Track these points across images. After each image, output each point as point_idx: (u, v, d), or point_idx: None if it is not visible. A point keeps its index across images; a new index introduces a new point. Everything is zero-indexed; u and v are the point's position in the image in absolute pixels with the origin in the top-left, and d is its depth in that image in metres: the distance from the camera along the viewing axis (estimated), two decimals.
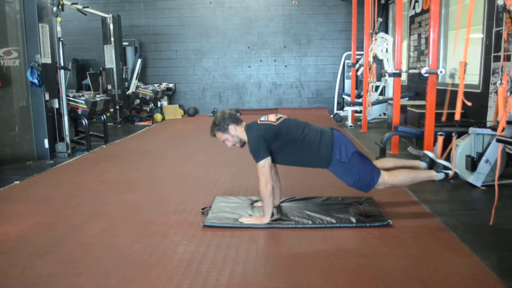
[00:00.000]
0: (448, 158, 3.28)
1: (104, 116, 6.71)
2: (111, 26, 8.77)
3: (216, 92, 11.02)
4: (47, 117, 5.48)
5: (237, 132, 3.11)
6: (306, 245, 2.74)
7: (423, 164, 3.26)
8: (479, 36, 5.61)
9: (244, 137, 3.11)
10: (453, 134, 3.31)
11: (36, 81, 5.27)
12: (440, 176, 3.16)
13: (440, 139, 3.36)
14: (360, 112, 8.18)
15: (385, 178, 3.04)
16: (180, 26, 10.74)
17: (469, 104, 3.21)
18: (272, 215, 3.14)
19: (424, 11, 7.46)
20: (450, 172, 3.15)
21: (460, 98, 3.27)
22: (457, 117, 3.35)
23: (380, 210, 3.25)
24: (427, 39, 7.02)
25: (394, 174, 3.09)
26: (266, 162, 2.98)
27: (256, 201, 3.51)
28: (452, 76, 3.76)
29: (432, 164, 3.24)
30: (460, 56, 3.34)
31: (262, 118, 3.14)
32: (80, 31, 10.51)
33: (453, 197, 3.72)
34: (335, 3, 10.51)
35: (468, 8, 3.27)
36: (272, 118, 3.12)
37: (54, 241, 2.84)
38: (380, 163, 3.26)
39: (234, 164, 4.89)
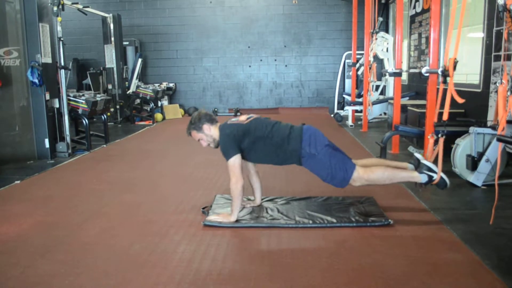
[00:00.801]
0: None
1: (105, 116, 6.71)
2: (112, 26, 8.77)
3: (216, 91, 11.02)
4: (47, 117, 5.48)
5: (211, 132, 3.13)
6: (307, 245, 2.74)
7: (410, 166, 3.16)
8: (479, 36, 5.61)
9: (218, 137, 3.13)
10: (439, 136, 3.09)
11: (36, 80, 5.26)
12: (422, 178, 3.00)
13: (431, 140, 3.21)
14: (361, 111, 8.18)
15: (360, 173, 2.99)
16: (181, 26, 10.74)
17: (461, 101, 3.05)
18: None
19: (425, 11, 7.45)
20: (435, 176, 2.99)
21: (449, 97, 3.19)
22: (445, 117, 3.25)
23: (380, 209, 3.24)
24: (427, 38, 7.02)
25: (371, 169, 3.03)
26: (236, 160, 3.00)
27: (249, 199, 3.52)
28: (444, 74, 3.61)
29: (418, 166, 3.12)
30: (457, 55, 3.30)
31: (233, 119, 3.19)
32: (80, 31, 10.52)
33: (454, 197, 3.72)
34: (335, 2, 10.51)
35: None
36: (242, 118, 3.17)
37: (54, 241, 2.84)
38: (361, 161, 3.19)
39: None
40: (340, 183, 3.05)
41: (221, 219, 3.06)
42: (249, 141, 3.05)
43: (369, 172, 3.01)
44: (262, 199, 3.52)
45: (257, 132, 3.05)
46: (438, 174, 2.99)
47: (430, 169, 3.02)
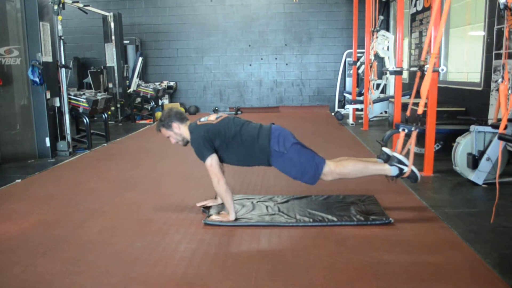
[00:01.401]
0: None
1: (105, 115, 6.72)
2: (112, 25, 8.77)
3: (217, 90, 11.02)
4: (48, 116, 5.49)
5: (180, 130, 3.15)
6: (308, 243, 2.74)
7: (379, 161, 3.14)
8: (480, 34, 5.60)
9: (187, 136, 3.15)
10: (412, 129, 3.12)
11: (37, 79, 5.27)
12: (393, 170, 3.01)
13: (402, 134, 3.19)
14: (361, 110, 8.17)
15: (332, 167, 3.00)
16: (181, 25, 10.73)
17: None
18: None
19: (425, 9, 7.44)
20: (406, 169, 2.99)
21: (424, 92, 3.19)
22: (420, 111, 3.22)
23: (381, 208, 3.24)
24: None
25: (342, 163, 3.04)
26: (213, 161, 3.02)
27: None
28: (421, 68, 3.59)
29: (387, 161, 3.10)
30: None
31: (202, 119, 3.18)
32: (81, 30, 10.51)
33: (455, 195, 3.72)
34: (336, 1, 10.49)
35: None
36: (212, 118, 3.16)
37: (55, 240, 2.84)
38: (333, 159, 3.16)
39: None
40: (311, 180, 3.04)
41: (221, 218, 3.07)
42: (220, 141, 3.05)
43: (340, 166, 3.02)
44: (260, 198, 3.52)
45: (227, 132, 3.06)
46: (409, 167, 3.00)
47: (400, 162, 3.02)
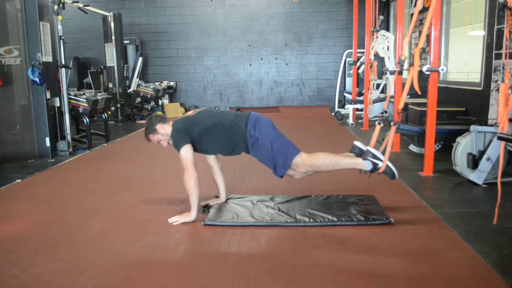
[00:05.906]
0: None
1: (105, 115, 6.72)
2: (112, 25, 8.77)
3: (217, 90, 11.02)
4: (48, 116, 5.49)
5: (166, 130, 3.17)
6: (307, 243, 2.73)
7: (351, 155, 3.12)
8: (480, 34, 5.60)
9: None
10: (391, 124, 3.09)
11: (37, 79, 5.27)
12: (367, 165, 2.95)
13: (378, 127, 3.18)
14: (361, 110, 8.17)
15: (303, 158, 3.01)
16: (181, 24, 10.74)
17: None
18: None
19: (425, 9, 7.43)
20: (381, 164, 2.93)
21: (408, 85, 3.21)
22: (401, 105, 3.22)
23: (381, 208, 3.24)
24: (428, 37, 7.01)
25: (314, 155, 3.04)
26: (187, 152, 3.03)
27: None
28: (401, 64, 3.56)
29: (361, 154, 3.06)
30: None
31: (182, 115, 3.29)
32: (81, 30, 10.52)
33: (455, 195, 3.72)
34: (336, 1, 10.50)
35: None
36: (190, 112, 3.27)
37: (55, 240, 2.84)
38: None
39: (234, 163, 4.88)
40: (280, 169, 3.03)
41: (182, 218, 3.09)
42: (199, 131, 3.09)
43: (312, 158, 3.02)
44: (260, 198, 3.52)
45: (206, 121, 3.11)
46: (384, 163, 2.95)
47: (375, 156, 2.97)
